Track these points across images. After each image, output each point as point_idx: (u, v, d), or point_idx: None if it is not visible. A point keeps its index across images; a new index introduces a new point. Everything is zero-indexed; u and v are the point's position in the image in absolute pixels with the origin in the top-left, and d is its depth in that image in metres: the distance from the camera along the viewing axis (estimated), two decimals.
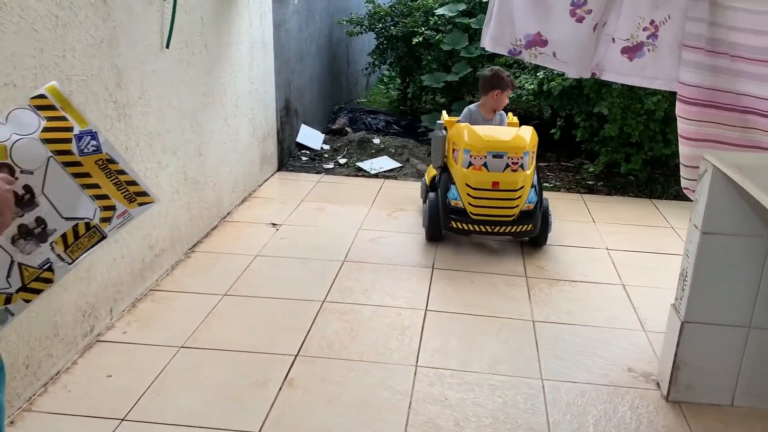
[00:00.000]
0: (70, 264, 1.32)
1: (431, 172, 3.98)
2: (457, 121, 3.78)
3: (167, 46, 3.05)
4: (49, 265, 1.29)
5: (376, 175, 5.05)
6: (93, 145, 1.30)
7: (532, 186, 3.57)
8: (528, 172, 3.50)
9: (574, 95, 4.91)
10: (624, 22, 2.80)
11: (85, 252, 1.33)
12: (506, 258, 3.57)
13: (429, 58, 6.05)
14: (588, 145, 5.05)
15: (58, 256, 1.29)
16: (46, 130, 1.26)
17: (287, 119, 5.21)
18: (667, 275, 3.28)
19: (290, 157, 5.33)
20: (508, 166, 3.43)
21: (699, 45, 2.74)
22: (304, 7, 5.49)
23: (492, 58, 5.84)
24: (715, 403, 2.35)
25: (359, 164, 5.20)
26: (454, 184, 3.54)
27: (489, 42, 2.93)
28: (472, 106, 3.92)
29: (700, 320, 2.26)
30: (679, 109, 2.86)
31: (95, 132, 1.31)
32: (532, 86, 5.13)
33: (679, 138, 2.90)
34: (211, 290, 3.10)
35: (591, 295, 3.20)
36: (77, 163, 1.29)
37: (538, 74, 5.09)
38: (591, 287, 3.28)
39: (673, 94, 4.69)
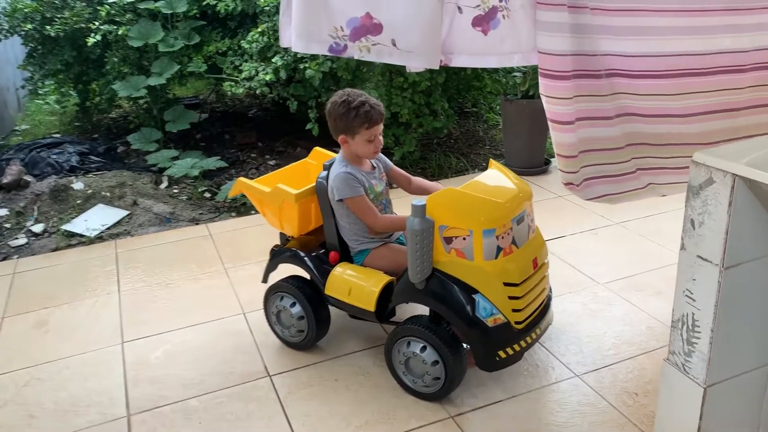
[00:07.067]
0: None
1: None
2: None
3: None
4: None
5: (100, 238, 3.59)
6: None
7: None
8: None
9: (328, 80, 4.06)
10: None
11: None
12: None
13: (115, 59, 4.57)
14: None
15: None
16: None
17: None
18: None
19: None
20: (528, 227, 2.15)
21: (558, 1, 2.10)
22: None
23: (200, 47, 4.63)
24: None
25: (68, 227, 3.65)
26: (477, 292, 2.01)
27: (297, 40, 1.90)
28: (342, 167, 2.29)
29: (725, 377, 1.67)
30: (545, 87, 2.20)
31: None
32: (267, 76, 4.11)
33: (549, 123, 2.27)
34: None
35: None
36: None
37: (273, 60, 4.10)
38: None
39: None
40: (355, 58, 1.91)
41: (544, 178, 4.12)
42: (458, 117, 5.40)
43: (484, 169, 4.55)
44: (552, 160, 4.30)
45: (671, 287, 2.79)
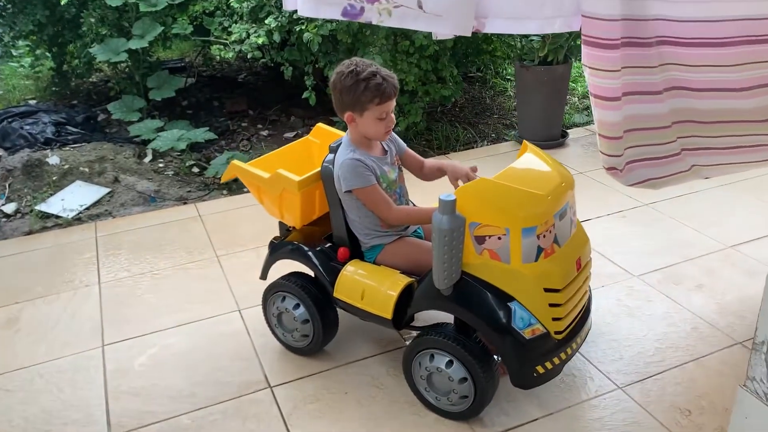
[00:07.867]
0: None
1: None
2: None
3: None
4: None
5: (78, 219, 3.27)
6: None
7: None
8: None
9: (327, 43, 3.70)
10: None
11: None
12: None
13: (92, 20, 4.18)
14: None
15: None
16: None
17: None
18: None
19: None
20: (571, 221, 1.86)
21: None
22: None
23: (185, 6, 4.24)
24: None
25: (42, 207, 3.33)
26: (513, 300, 1.74)
27: (304, 2, 1.56)
28: (349, 152, 1.95)
29: None
30: (589, 57, 1.89)
31: None
32: (259, 39, 3.75)
33: (592, 99, 1.97)
34: None
35: None
36: None
37: (266, 21, 3.73)
38: None
39: None
40: (374, 23, 1.59)
41: (562, 151, 3.81)
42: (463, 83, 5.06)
43: (495, 141, 4.30)
44: (569, 132, 4.00)
45: (713, 280, 2.55)
